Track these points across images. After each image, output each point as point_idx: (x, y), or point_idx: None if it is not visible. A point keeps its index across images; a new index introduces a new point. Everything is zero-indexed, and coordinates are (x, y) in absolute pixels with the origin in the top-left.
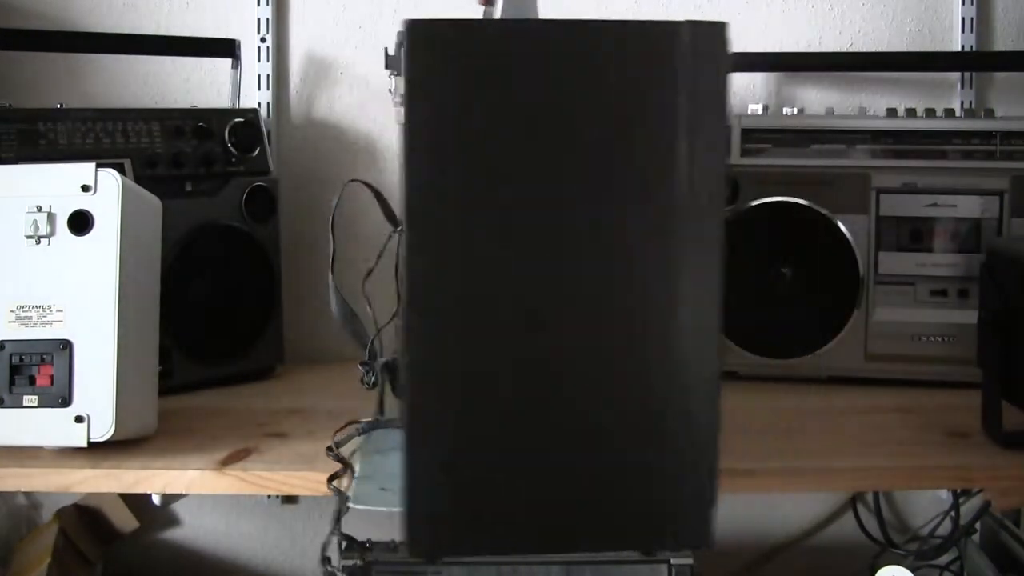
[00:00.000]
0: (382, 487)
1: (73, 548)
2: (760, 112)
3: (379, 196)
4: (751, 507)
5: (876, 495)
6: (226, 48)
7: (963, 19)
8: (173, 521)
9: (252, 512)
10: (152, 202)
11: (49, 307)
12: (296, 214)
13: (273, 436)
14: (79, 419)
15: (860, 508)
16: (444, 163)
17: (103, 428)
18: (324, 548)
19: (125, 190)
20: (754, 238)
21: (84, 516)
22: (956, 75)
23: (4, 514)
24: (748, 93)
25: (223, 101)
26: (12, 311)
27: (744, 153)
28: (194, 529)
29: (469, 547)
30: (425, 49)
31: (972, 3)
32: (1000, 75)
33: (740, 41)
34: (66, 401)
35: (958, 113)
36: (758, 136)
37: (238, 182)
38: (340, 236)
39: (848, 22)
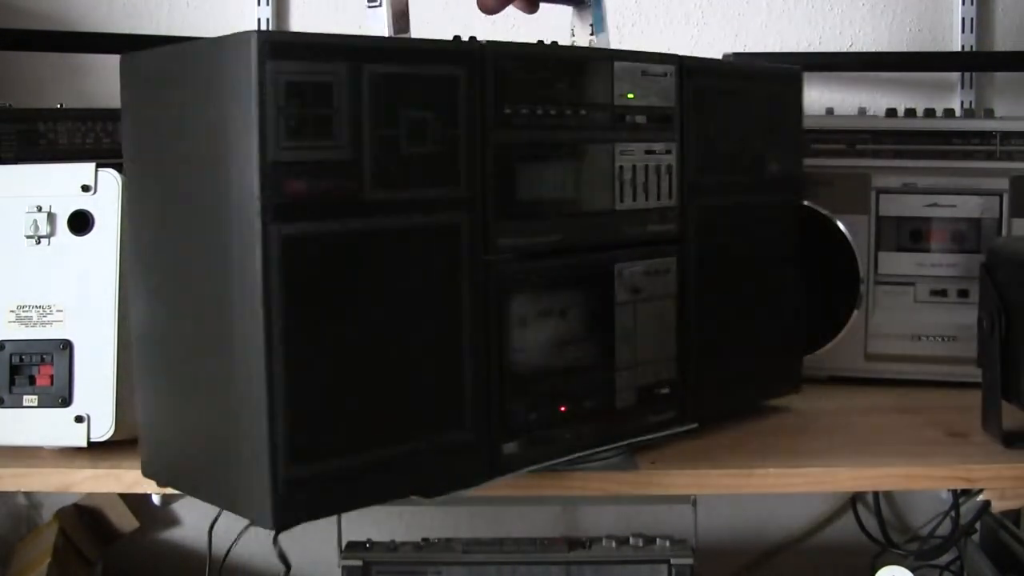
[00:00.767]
0: None
1: (73, 548)
2: None
3: None
4: (751, 507)
5: (876, 495)
6: None
7: (963, 19)
8: (173, 521)
9: None
10: None
11: (49, 307)
12: None
13: None
14: (79, 419)
15: (860, 508)
16: None
17: (103, 428)
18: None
19: (125, 190)
20: None
21: (84, 516)
22: (956, 75)
23: (4, 514)
24: None
25: None
26: (12, 311)
27: None
28: (194, 529)
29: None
30: None
31: (972, 3)
32: (1000, 75)
33: (740, 41)
34: (66, 401)
35: (958, 113)
36: None
37: None
38: None
39: (848, 22)
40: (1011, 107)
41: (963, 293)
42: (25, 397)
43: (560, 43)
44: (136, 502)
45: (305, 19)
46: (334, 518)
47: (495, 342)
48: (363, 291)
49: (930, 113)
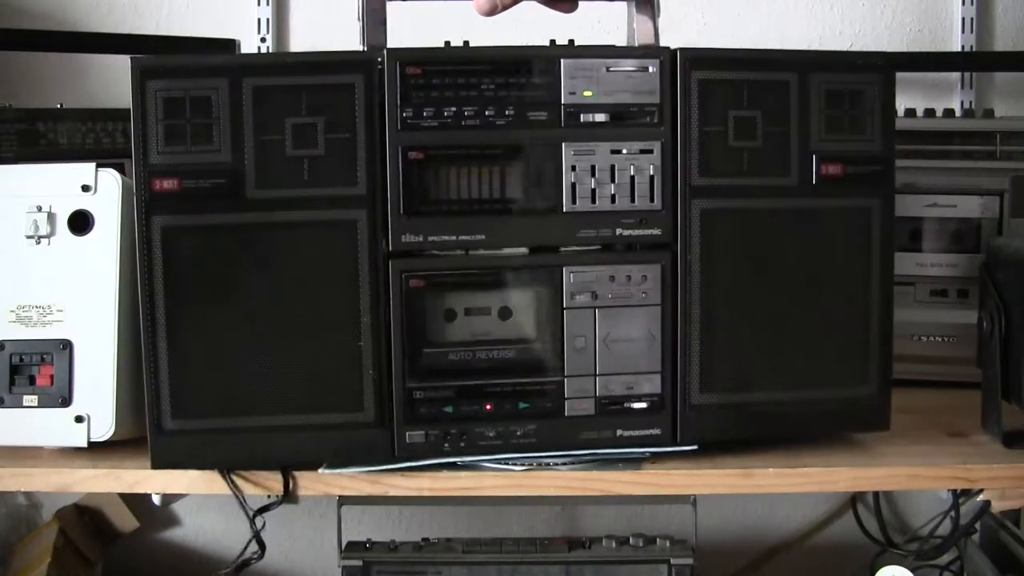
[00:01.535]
0: None
1: (73, 548)
2: None
3: None
4: (751, 507)
5: (876, 495)
6: (226, 48)
7: (963, 19)
8: (173, 521)
9: None
10: None
11: (49, 307)
12: None
13: None
14: (79, 419)
15: (860, 508)
16: None
17: (103, 428)
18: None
19: (125, 190)
20: None
21: (84, 516)
22: (956, 75)
23: (4, 514)
24: None
25: None
26: (12, 311)
27: None
28: (194, 529)
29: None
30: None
31: (972, 3)
32: (1000, 75)
33: (740, 41)
34: (66, 401)
35: (958, 113)
36: None
37: None
38: None
39: (848, 22)
40: (1011, 107)
41: (963, 293)
42: (25, 397)
43: (559, 43)
44: (136, 502)
45: (305, 19)
46: (334, 519)
47: (399, 334)
48: (250, 276)
49: (930, 113)
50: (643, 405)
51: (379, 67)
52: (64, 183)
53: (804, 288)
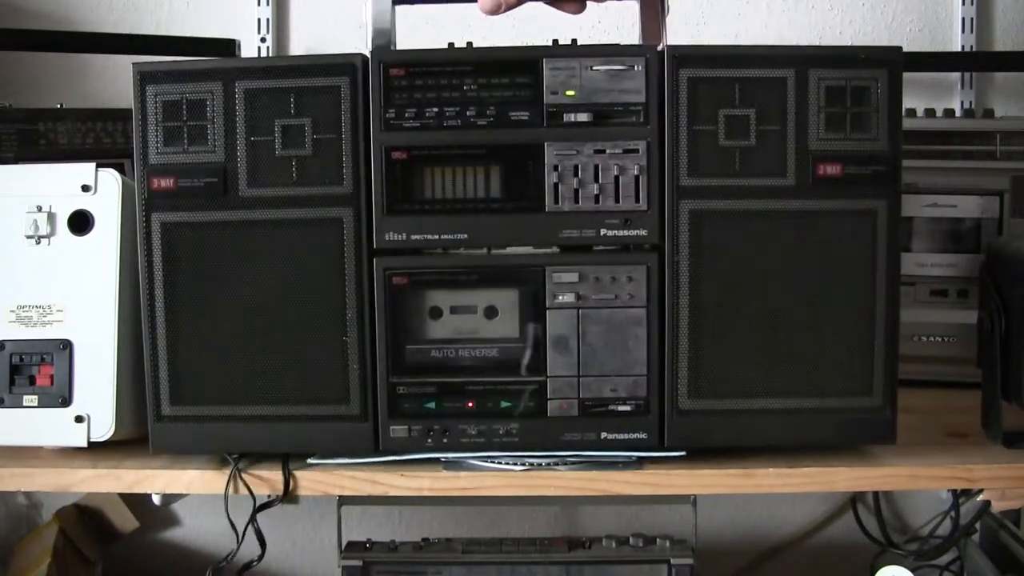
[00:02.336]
0: None
1: (73, 548)
2: None
3: None
4: (751, 507)
5: (876, 495)
6: (226, 48)
7: (963, 19)
8: (173, 521)
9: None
10: None
11: (49, 307)
12: None
13: None
14: (79, 419)
15: (860, 508)
16: None
17: (103, 428)
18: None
19: (125, 190)
20: None
21: (84, 516)
22: (956, 75)
23: (4, 514)
24: None
25: None
26: (12, 311)
27: None
28: (194, 529)
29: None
30: None
31: (972, 3)
32: (1000, 75)
33: (740, 41)
34: (66, 401)
35: (958, 113)
36: None
37: None
38: None
39: (848, 22)
40: (1011, 107)
41: (963, 293)
42: (25, 397)
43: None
44: (136, 502)
45: (305, 19)
46: (334, 519)
47: (384, 329)
48: (241, 271)
49: (930, 113)
50: (627, 408)
51: (364, 69)
52: (64, 183)
53: (801, 293)
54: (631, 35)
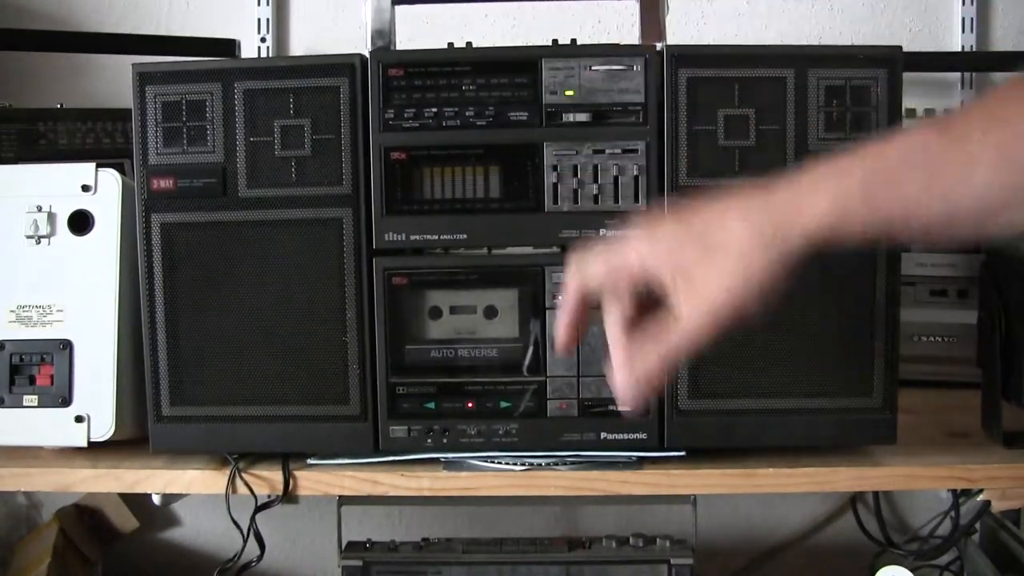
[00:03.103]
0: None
1: (73, 548)
2: None
3: None
4: (751, 507)
5: (876, 495)
6: (226, 48)
7: (963, 19)
8: (173, 521)
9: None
10: None
11: (49, 307)
12: None
13: None
14: (79, 419)
15: (860, 508)
16: None
17: (103, 428)
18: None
19: (125, 190)
20: None
21: (84, 516)
22: (956, 75)
23: (4, 514)
24: None
25: None
26: (12, 311)
27: None
28: (194, 529)
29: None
30: None
31: (972, 3)
32: (1000, 75)
33: (740, 41)
34: (66, 401)
35: None
36: None
37: None
38: None
39: (848, 22)
40: None
41: (963, 293)
42: (25, 397)
43: (561, 43)
44: (136, 502)
45: (305, 19)
46: (334, 519)
47: (383, 329)
48: (241, 270)
49: (930, 113)
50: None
51: (363, 69)
52: (64, 183)
53: (801, 293)
54: (631, 35)
